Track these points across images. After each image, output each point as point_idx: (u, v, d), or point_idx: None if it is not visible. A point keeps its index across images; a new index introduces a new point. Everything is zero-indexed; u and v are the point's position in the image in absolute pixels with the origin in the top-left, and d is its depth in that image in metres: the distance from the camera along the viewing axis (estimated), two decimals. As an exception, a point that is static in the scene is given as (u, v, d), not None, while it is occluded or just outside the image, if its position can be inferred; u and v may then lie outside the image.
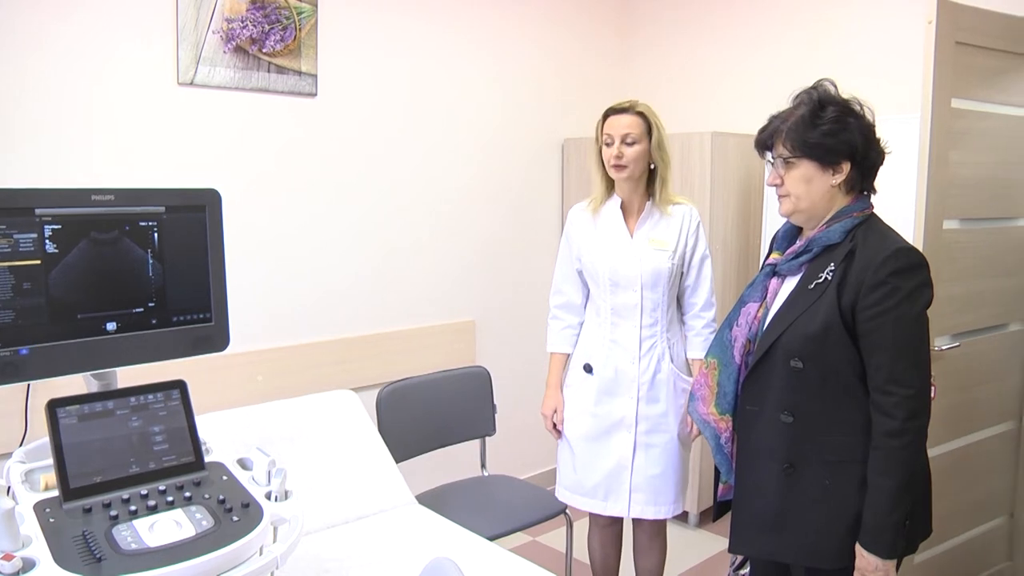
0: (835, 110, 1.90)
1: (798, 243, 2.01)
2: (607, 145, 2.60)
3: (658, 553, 2.83)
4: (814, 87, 1.96)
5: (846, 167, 1.90)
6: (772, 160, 2.01)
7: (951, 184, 2.66)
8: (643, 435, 2.65)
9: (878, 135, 1.94)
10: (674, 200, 2.67)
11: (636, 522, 2.81)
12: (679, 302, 2.73)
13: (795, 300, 1.94)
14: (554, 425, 2.80)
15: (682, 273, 2.69)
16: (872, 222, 1.92)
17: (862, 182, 1.94)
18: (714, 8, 4.39)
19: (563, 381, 2.82)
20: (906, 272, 1.80)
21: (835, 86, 1.95)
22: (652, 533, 2.80)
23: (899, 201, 1.98)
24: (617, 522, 2.86)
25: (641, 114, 2.59)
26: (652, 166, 2.62)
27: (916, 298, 1.80)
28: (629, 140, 2.56)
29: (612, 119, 2.60)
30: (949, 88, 2.62)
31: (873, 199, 1.98)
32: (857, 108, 1.92)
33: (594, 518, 2.86)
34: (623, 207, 2.67)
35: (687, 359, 2.73)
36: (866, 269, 1.82)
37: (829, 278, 1.87)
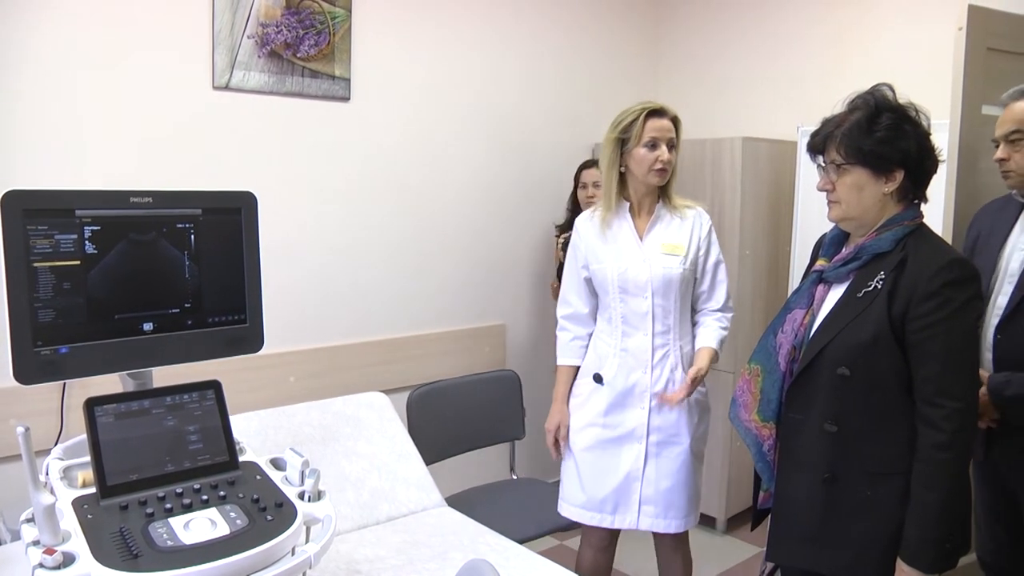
0: (891, 117, 1.84)
1: (846, 250, 1.97)
2: (649, 147, 2.48)
3: (681, 565, 2.74)
4: (871, 92, 1.90)
5: (899, 175, 1.85)
6: (823, 165, 1.95)
7: (980, 191, 2.63)
8: (654, 446, 2.56)
9: (933, 143, 1.89)
10: (683, 203, 2.60)
11: (657, 536, 2.70)
12: (693, 308, 2.64)
13: (843, 308, 1.90)
14: (556, 441, 2.69)
15: (695, 279, 2.59)
16: (922, 231, 1.89)
17: (914, 190, 1.90)
18: (744, 14, 4.38)
19: (570, 393, 2.70)
20: (959, 284, 1.77)
21: (893, 91, 1.89)
22: (673, 545, 2.71)
23: (927, 208, 1.96)
24: (611, 546, 2.75)
25: (675, 119, 2.54)
26: None
27: (968, 310, 1.78)
28: (672, 144, 2.50)
29: (657, 121, 2.49)
30: (980, 94, 2.59)
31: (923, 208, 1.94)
32: (913, 115, 1.87)
33: (587, 539, 2.75)
34: (632, 211, 2.59)
35: (694, 350, 2.59)
36: (918, 279, 1.78)
37: (879, 287, 1.84)
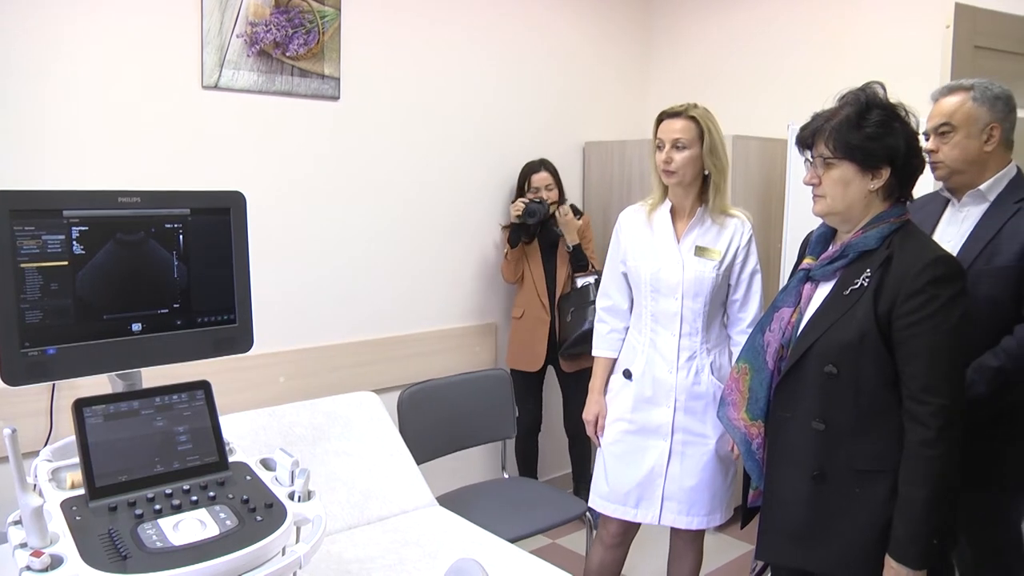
0: (881, 113, 1.86)
1: (833, 248, 1.98)
2: (659, 149, 2.55)
3: (692, 561, 2.78)
4: (862, 88, 1.91)
5: (886, 172, 1.86)
6: (811, 159, 1.96)
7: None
8: (679, 444, 2.59)
9: (921, 143, 1.90)
10: (728, 211, 2.61)
11: (673, 529, 2.73)
12: (727, 316, 2.67)
13: (830, 306, 1.91)
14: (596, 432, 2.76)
15: (729, 286, 2.62)
16: (908, 229, 1.90)
17: (900, 189, 1.91)
18: (735, 13, 4.39)
19: (607, 386, 2.76)
20: (944, 281, 1.77)
21: (884, 89, 1.91)
22: (688, 540, 2.74)
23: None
24: (623, 544, 2.77)
25: (693, 118, 2.53)
26: (706, 172, 2.57)
27: (953, 307, 1.78)
28: (680, 145, 2.51)
29: (665, 123, 2.56)
30: (967, 93, 2.60)
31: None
32: (903, 114, 1.88)
33: (599, 536, 2.79)
34: (673, 211, 2.63)
35: (728, 358, 2.66)
36: (904, 276, 1.79)
37: (865, 284, 1.85)
